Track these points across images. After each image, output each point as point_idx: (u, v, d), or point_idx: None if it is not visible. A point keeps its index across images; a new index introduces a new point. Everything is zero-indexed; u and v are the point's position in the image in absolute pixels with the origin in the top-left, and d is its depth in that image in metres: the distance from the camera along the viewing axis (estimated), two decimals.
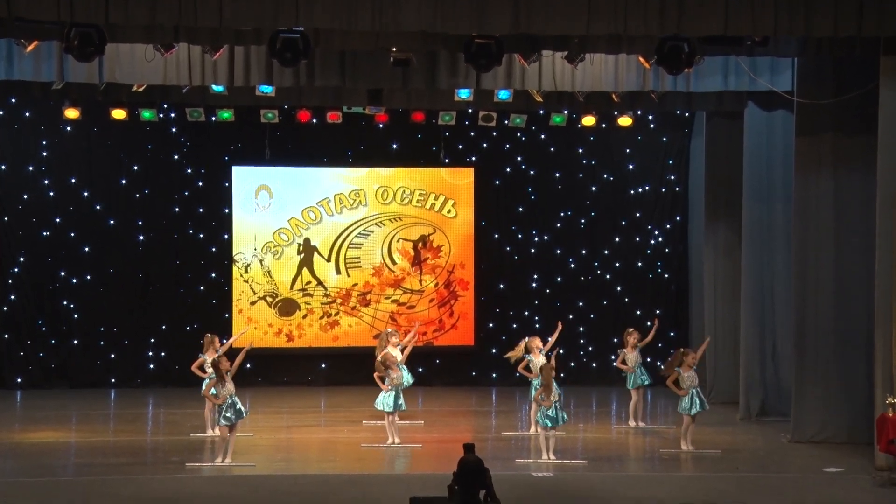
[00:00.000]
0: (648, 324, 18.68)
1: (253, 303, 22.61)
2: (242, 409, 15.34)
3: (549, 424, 15.68)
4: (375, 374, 16.95)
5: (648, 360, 18.45)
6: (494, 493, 8.38)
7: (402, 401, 16.68)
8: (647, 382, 18.25)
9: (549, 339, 17.63)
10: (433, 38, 15.05)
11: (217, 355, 16.17)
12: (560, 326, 17.96)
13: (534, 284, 23.22)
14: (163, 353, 22.44)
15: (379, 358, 17.00)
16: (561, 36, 15.08)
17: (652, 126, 23.04)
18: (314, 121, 21.30)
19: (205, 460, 15.65)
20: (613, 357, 21.86)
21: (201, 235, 22.66)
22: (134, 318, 22.45)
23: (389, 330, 18.46)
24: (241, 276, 22.59)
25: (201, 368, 17.10)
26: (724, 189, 20.47)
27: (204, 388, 16.39)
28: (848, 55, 15.89)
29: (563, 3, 13.93)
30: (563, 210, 23.23)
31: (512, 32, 14.24)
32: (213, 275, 22.66)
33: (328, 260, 22.79)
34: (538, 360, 17.31)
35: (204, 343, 17.33)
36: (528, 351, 17.60)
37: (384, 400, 16.64)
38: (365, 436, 17.41)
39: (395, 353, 17.12)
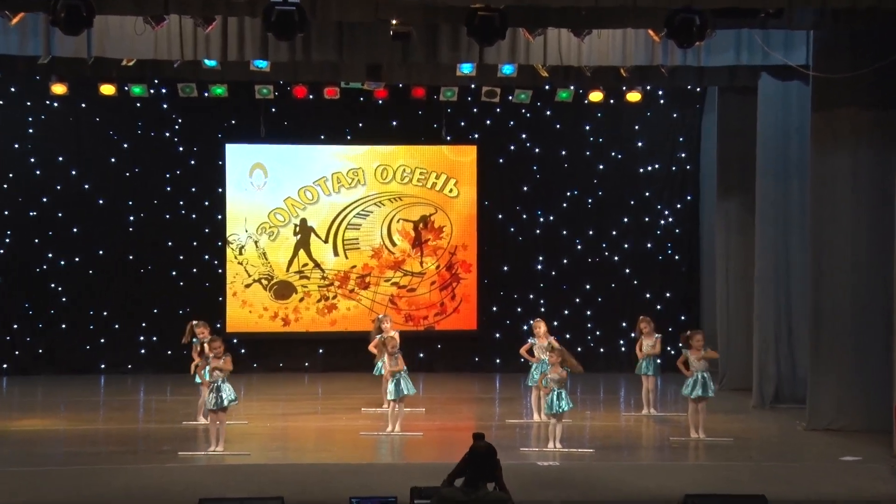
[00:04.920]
0: (658, 307, 18.63)
1: (247, 286, 22.61)
2: (228, 396, 15.26)
3: (547, 411, 15.74)
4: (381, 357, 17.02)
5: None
6: (504, 485, 8.37)
7: (402, 387, 16.63)
8: (652, 373, 18.22)
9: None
10: (434, 9, 14.98)
11: (210, 337, 16.18)
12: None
13: (539, 266, 23.19)
14: (154, 338, 22.46)
15: (381, 339, 17.01)
16: (567, 8, 15.00)
17: (662, 102, 23.02)
18: (311, 97, 21.26)
19: (198, 449, 15.64)
20: (622, 342, 22.01)
21: (194, 216, 22.67)
22: (124, 302, 22.48)
23: (381, 316, 18.45)
24: (235, 257, 22.59)
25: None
26: (737, 166, 20.40)
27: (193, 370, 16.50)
28: (865, 27, 15.81)
29: None
30: (570, 189, 23.21)
31: (516, 4, 14.17)
32: (206, 257, 22.68)
33: (325, 241, 22.78)
34: (542, 343, 17.33)
35: (187, 330, 17.25)
36: (532, 335, 17.60)
37: (388, 387, 16.67)
38: (363, 423, 17.40)
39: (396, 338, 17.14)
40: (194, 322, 17.34)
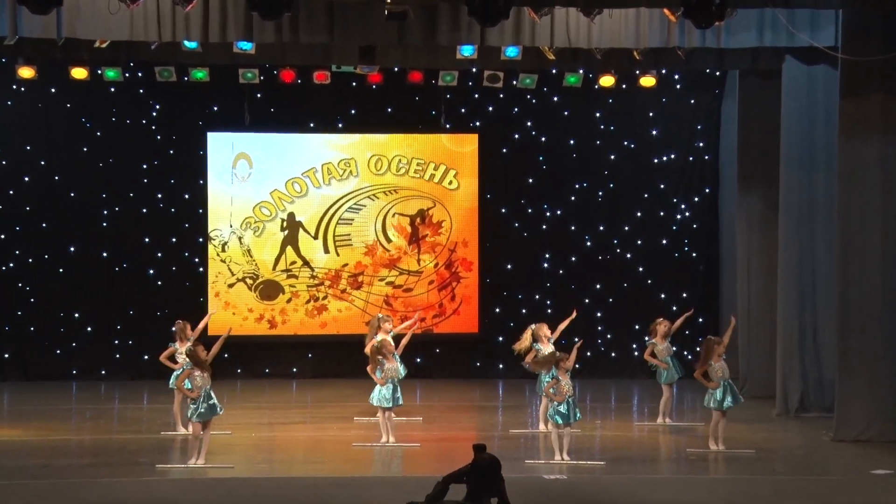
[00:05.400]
0: (675, 309, 18.62)
1: (231, 285, 22.61)
2: (217, 404, 15.30)
3: (561, 421, 15.66)
4: (369, 368, 16.90)
5: (675, 348, 18.36)
6: (508, 501, 8.42)
7: (399, 394, 16.64)
8: (681, 376, 18.20)
9: (559, 326, 17.58)
10: None
11: (190, 343, 16.18)
12: (574, 314, 17.88)
13: (545, 265, 23.21)
14: (130, 342, 22.47)
15: (374, 344, 16.95)
16: None
17: (678, 87, 22.99)
18: (299, 81, 21.23)
19: (176, 461, 15.62)
20: (635, 346, 21.99)
21: (173, 210, 22.67)
22: (97, 303, 22.49)
23: (381, 315, 18.38)
24: (218, 255, 22.59)
25: (172, 358, 17.15)
26: (760, 156, 20.43)
27: (174, 380, 16.58)
28: None
29: None
30: (579, 181, 23.22)
31: None
32: (187, 254, 22.69)
33: (315, 237, 22.78)
34: (547, 349, 17.28)
35: (176, 330, 17.30)
36: (535, 340, 17.55)
37: (380, 394, 16.60)
38: (356, 434, 17.39)
39: (391, 341, 17.09)
40: (181, 322, 17.35)
